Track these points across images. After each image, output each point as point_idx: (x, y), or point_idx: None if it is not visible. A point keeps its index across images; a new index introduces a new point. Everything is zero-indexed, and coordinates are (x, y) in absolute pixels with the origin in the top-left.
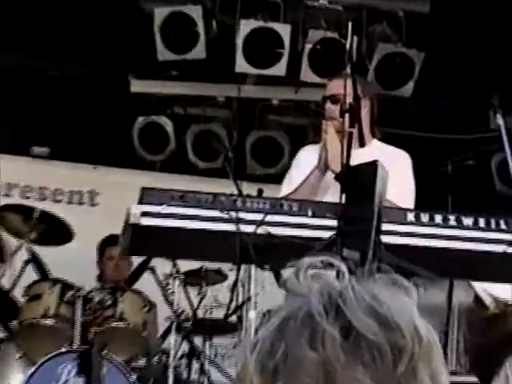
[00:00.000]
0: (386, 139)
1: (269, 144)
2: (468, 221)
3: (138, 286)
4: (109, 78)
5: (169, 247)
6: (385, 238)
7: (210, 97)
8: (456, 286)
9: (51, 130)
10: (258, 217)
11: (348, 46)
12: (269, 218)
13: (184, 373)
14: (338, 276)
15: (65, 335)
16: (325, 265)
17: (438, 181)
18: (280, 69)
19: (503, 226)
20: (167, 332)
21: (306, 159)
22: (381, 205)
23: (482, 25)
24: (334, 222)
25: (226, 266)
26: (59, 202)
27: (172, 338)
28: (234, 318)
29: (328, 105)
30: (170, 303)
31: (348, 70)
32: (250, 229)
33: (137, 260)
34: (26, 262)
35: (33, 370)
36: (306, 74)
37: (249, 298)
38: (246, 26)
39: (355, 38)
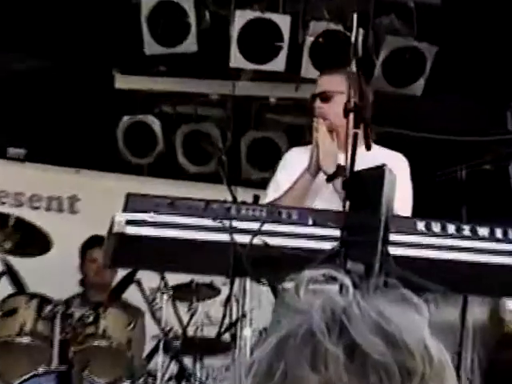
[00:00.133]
0: (394, 142)
1: (266, 146)
2: (484, 231)
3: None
4: (91, 73)
5: (156, 259)
6: (392, 250)
7: (202, 94)
8: (470, 303)
9: (28, 129)
10: (254, 226)
11: (353, 39)
12: (266, 227)
13: None
14: (341, 291)
15: (42, 354)
16: (327, 279)
17: (451, 187)
18: (278, 64)
19: None
20: (154, 352)
21: (295, 161)
22: (388, 213)
23: (499, 16)
24: (336, 232)
25: (218, 280)
26: (37, 208)
27: (159, 359)
28: (227, 337)
29: (318, 103)
30: (158, 320)
31: (353, 67)
32: (245, 239)
33: (121, 273)
34: (0, 275)
35: None
36: (307, 70)
37: (243, 315)
38: (241, 17)
39: (361, 31)
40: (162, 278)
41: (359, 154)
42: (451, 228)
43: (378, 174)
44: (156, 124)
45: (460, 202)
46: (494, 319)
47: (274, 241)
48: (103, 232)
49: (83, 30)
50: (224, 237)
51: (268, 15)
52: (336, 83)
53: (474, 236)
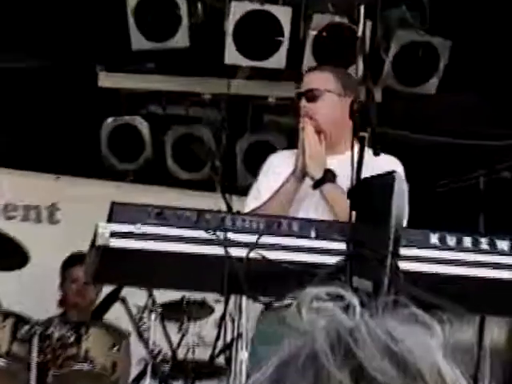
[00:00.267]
0: (405, 146)
1: (264, 150)
2: (503, 244)
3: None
4: (73, 71)
5: (143, 274)
6: (403, 265)
7: (194, 93)
8: (488, 322)
9: (3, 132)
10: (251, 238)
11: (360, 33)
12: (264, 239)
13: None
14: (347, 310)
15: (19, 378)
16: (332, 297)
17: (468, 196)
18: (278, 60)
19: None
20: (141, 376)
21: (279, 165)
22: (398, 224)
23: None
24: (342, 245)
25: (211, 297)
26: (12, 218)
27: (147, 383)
28: (221, 360)
29: (303, 102)
30: (145, 341)
31: (360, 64)
32: (241, 253)
33: (105, 290)
34: None
35: None
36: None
37: (239, 336)
38: (237, 9)
39: (368, 24)
40: (150, 296)
41: (349, 159)
42: (467, 241)
43: (386, 181)
44: (143, 126)
45: (477, 211)
46: None
47: (272, 255)
48: (85, 245)
49: (65, 24)
50: (218, 250)
51: (267, 7)
52: (323, 81)
53: (493, 250)
